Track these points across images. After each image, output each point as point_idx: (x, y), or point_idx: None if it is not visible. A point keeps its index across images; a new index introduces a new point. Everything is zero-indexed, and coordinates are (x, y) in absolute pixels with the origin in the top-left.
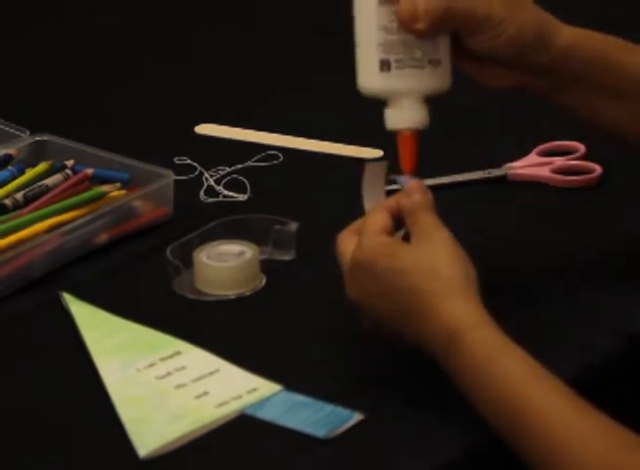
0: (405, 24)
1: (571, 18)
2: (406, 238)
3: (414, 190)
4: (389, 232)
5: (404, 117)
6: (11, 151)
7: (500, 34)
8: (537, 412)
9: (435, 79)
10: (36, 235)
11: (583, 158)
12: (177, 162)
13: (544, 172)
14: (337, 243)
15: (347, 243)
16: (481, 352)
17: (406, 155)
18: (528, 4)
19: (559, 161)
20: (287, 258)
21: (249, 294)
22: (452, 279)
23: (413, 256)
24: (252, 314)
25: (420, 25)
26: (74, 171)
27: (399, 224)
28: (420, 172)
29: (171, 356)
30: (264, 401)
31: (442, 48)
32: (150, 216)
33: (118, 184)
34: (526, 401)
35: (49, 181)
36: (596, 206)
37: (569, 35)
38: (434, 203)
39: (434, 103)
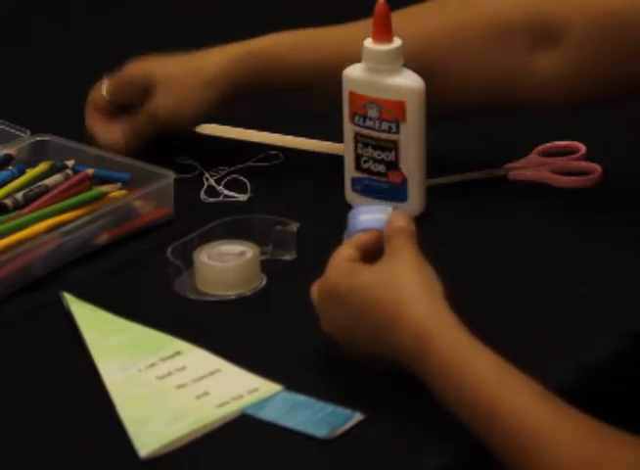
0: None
1: None
2: None
3: (397, 218)
4: (355, 259)
5: None
6: (11, 151)
7: None
8: (511, 413)
9: None
10: (37, 235)
11: (583, 158)
12: (178, 161)
13: (544, 172)
14: (311, 293)
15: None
16: (451, 357)
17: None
18: None
19: (559, 161)
20: (288, 258)
21: (249, 294)
22: (414, 287)
23: (374, 271)
24: (253, 315)
25: None
26: (75, 171)
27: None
28: None
29: (172, 357)
30: (265, 402)
31: None
32: (150, 217)
33: (119, 184)
34: (500, 404)
35: (49, 181)
36: (596, 206)
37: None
38: (414, 231)
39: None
